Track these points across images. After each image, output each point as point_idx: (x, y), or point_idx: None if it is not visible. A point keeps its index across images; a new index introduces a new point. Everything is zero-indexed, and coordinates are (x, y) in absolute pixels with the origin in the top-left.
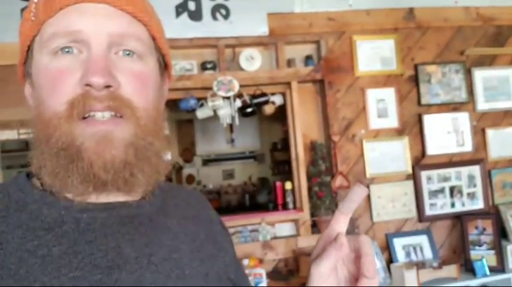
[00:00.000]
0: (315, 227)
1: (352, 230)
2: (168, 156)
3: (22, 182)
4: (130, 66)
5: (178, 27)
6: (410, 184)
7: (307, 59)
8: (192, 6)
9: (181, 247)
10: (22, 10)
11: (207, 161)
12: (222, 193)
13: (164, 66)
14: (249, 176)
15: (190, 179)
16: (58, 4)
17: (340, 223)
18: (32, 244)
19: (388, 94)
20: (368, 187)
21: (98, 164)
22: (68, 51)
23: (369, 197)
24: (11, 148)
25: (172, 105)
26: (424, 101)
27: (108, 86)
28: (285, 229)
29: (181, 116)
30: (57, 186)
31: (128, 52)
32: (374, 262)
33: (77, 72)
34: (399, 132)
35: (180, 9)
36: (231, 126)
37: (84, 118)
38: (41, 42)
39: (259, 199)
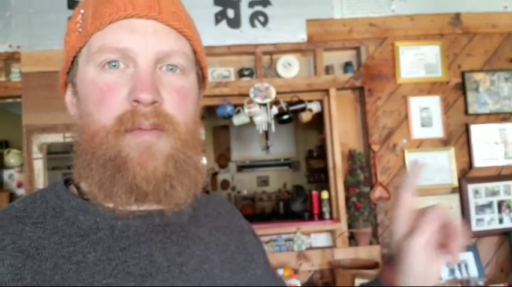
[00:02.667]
0: (353, 239)
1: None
2: (204, 161)
3: (60, 189)
4: (173, 82)
5: (217, 35)
6: (456, 197)
7: (347, 65)
8: (231, 14)
9: (212, 257)
10: (69, 18)
11: (241, 167)
12: (256, 200)
13: (202, 77)
14: (284, 183)
15: (225, 184)
16: (108, 18)
17: (410, 201)
18: (67, 250)
19: (433, 102)
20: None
21: (140, 175)
22: (114, 66)
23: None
24: (56, 150)
25: (209, 111)
26: (471, 110)
27: (154, 102)
28: (321, 240)
29: (217, 122)
30: (102, 196)
31: (171, 67)
32: (458, 226)
33: (124, 87)
34: (444, 142)
35: (219, 17)
36: (266, 133)
37: (131, 130)
38: (88, 54)
39: (293, 207)
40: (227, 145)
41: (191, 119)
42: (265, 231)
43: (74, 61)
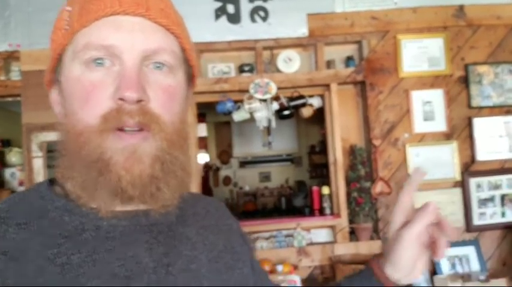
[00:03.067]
0: (353, 235)
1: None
2: (206, 158)
3: (44, 189)
4: (160, 80)
5: (217, 31)
6: (458, 191)
7: (348, 60)
8: (231, 9)
9: (200, 257)
10: None
11: (244, 163)
12: (258, 196)
13: (191, 76)
14: (286, 179)
15: (227, 180)
16: (93, 15)
17: (408, 202)
18: (51, 251)
19: (436, 96)
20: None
21: (126, 179)
22: (100, 63)
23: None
24: (55, 148)
25: (210, 107)
26: (474, 103)
27: (139, 101)
28: (321, 235)
29: (219, 118)
30: (85, 197)
31: (158, 65)
32: (447, 224)
33: (109, 85)
34: (447, 136)
35: (219, 12)
36: (268, 129)
37: (115, 131)
38: (74, 52)
39: (295, 202)
40: (229, 141)
41: (178, 119)
42: (265, 227)
43: (60, 59)
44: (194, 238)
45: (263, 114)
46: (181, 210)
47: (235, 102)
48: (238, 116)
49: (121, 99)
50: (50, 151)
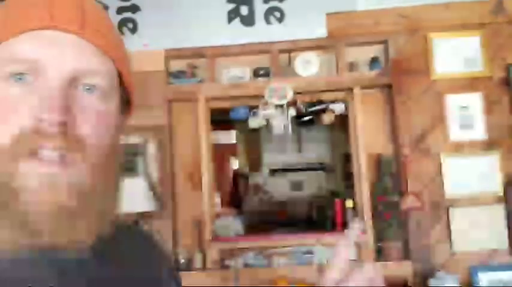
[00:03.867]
0: (380, 254)
1: (425, 259)
2: (235, 165)
3: None
4: (90, 104)
5: (230, 34)
6: (500, 207)
7: (373, 61)
8: (244, 11)
9: None
10: None
11: (274, 171)
12: (290, 205)
13: (127, 101)
14: (319, 188)
15: (257, 189)
16: (20, 27)
17: (345, 256)
18: None
19: (473, 100)
20: (447, 210)
21: (35, 211)
22: (20, 79)
23: (448, 222)
24: None
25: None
26: None
27: (62, 124)
28: None
29: (248, 125)
30: None
31: (88, 87)
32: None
33: (28, 103)
34: (488, 145)
35: (232, 14)
36: (299, 136)
37: (31, 154)
38: None
39: (328, 213)
40: (258, 148)
41: (108, 148)
42: (283, 242)
43: None
44: (112, 275)
45: (279, 120)
46: (99, 243)
47: (251, 108)
48: (254, 123)
49: (40, 120)
50: None
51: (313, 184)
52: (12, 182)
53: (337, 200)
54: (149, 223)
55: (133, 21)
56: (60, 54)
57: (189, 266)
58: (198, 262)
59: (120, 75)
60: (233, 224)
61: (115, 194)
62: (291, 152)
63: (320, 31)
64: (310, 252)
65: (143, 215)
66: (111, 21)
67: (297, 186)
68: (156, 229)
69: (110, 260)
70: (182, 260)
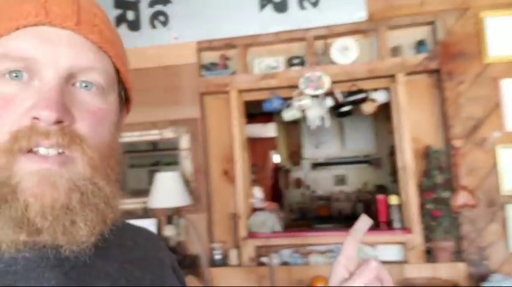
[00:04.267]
0: (430, 255)
1: (480, 261)
2: (276, 159)
3: None
4: (88, 101)
5: (262, 22)
6: None
7: (419, 45)
8: None
9: None
10: None
11: (316, 165)
12: (333, 200)
13: (125, 99)
14: (364, 182)
15: (298, 183)
16: (14, 23)
17: (353, 252)
18: None
19: None
20: (504, 207)
21: (34, 208)
22: (16, 76)
23: (504, 221)
24: (138, 149)
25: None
26: None
27: (59, 122)
28: (389, 253)
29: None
30: None
31: (86, 84)
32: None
33: (25, 101)
34: None
35: (264, 1)
36: (341, 128)
37: (28, 152)
38: None
39: (374, 209)
40: (299, 141)
41: (107, 145)
42: (321, 240)
43: None
44: (116, 274)
45: (315, 112)
46: (103, 241)
47: (285, 99)
48: (288, 115)
49: (36, 118)
50: (131, 151)
51: (357, 178)
52: (10, 180)
53: (380, 196)
54: (185, 218)
55: (164, 14)
56: (56, 51)
57: (224, 262)
58: (233, 258)
59: (118, 72)
60: (269, 219)
61: (115, 191)
62: (333, 145)
63: (359, 14)
64: None
65: (179, 210)
66: (107, 17)
67: (340, 180)
68: (192, 223)
69: (111, 259)
70: (218, 256)
